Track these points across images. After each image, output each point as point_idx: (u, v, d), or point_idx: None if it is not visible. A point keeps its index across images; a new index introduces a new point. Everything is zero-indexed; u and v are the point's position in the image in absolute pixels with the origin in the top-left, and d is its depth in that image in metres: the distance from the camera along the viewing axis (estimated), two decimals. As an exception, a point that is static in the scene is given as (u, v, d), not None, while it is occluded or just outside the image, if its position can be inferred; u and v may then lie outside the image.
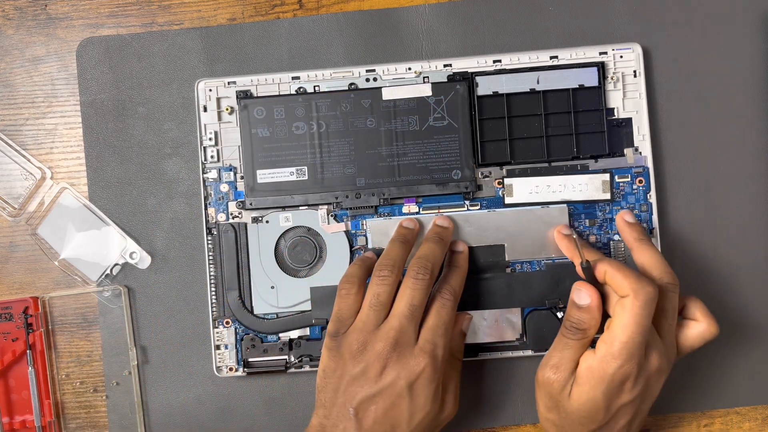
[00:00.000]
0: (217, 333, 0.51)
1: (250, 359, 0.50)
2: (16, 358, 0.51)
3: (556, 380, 0.43)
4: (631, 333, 0.41)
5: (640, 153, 0.50)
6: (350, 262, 0.50)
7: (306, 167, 0.50)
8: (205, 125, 0.51)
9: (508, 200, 0.50)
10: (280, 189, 0.50)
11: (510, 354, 0.50)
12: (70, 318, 0.52)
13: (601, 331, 0.43)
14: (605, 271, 0.43)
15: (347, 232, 0.50)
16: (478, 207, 0.50)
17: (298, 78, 0.51)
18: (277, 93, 0.51)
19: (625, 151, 0.50)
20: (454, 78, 0.50)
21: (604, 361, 0.42)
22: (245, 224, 0.50)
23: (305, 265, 0.51)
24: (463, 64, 0.50)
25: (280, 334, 0.51)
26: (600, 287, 0.44)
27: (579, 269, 0.45)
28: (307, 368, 0.50)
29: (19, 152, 0.53)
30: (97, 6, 0.53)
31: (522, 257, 0.50)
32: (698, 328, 0.45)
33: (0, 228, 0.53)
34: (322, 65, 0.52)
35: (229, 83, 0.51)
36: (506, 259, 0.50)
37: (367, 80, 0.51)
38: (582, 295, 0.43)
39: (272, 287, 0.50)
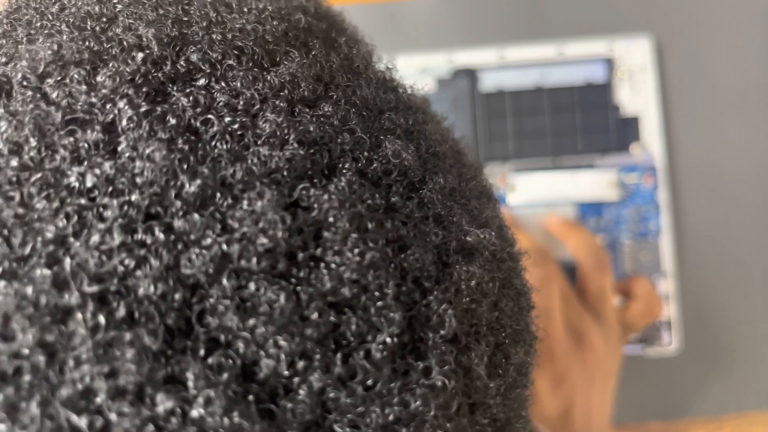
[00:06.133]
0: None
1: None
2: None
3: None
4: None
5: (649, 151, 0.49)
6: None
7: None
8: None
9: (511, 198, 0.49)
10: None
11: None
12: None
13: None
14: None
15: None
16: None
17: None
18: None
19: (634, 148, 0.49)
20: (457, 73, 0.49)
21: None
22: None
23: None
24: (466, 59, 0.49)
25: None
26: None
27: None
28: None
29: None
30: None
31: (525, 258, 0.48)
32: (638, 307, 0.44)
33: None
34: (322, 59, 0.51)
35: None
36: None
37: (368, 75, 0.49)
38: None
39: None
